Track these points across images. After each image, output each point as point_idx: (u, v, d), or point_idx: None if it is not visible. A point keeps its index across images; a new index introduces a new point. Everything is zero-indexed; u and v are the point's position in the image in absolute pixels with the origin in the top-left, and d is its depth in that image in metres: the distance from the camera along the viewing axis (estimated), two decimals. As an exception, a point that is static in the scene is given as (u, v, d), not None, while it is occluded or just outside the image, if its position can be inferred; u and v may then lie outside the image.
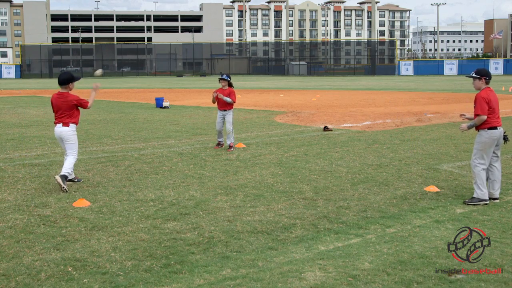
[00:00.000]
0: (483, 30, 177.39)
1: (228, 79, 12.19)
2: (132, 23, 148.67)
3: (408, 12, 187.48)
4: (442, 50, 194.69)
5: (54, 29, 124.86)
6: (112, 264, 5.29)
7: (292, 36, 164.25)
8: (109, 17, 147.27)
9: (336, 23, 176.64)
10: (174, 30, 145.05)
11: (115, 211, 7.17)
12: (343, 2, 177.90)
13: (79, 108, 8.75)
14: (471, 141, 13.15)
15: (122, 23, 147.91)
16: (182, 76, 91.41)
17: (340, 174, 9.45)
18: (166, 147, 12.67)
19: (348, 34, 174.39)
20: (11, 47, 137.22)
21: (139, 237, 6.10)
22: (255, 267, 5.20)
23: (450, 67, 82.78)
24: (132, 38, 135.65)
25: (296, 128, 16.26)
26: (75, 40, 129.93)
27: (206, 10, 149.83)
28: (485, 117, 7.50)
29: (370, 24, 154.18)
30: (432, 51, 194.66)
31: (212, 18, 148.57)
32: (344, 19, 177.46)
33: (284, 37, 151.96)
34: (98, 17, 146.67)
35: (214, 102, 12.39)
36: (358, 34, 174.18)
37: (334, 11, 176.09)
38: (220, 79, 12.23)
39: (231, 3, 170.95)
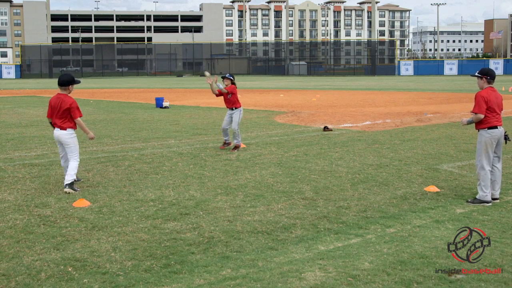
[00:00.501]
0: (483, 30, 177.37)
1: (231, 78, 12.26)
2: (132, 23, 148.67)
3: (408, 12, 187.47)
4: (442, 50, 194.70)
5: (54, 29, 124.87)
6: (112, 264, 5.29)
7: (292, 36, 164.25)
8: (109, 17, 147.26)
9: (336, 23, 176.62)
10: (174, 30, 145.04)
11: (115, 211, 7.17)
12: (343, 2, 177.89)
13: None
14: (471, 141, 13.15)
15: (122, 23, 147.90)
16: (182, 76, 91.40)
17: (340, 174, 9.45)
18: (166, 147, 12.66)
19: (348, 34, 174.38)
20: (11, 47, 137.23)
21: (139, 237, 6.10)
22: (255, 267, 5.20)
23: (450, 67, 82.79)
24: (132, 38, 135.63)
25: (296, 128, 16.26)
26: (75, 40, 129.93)
27: (206, 10, 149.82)
28: (481, 115, 7.50)
29: (370, 24, 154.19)
30: (432, 51, 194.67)
31: (212, 18, 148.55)
32: (344, 19, 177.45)
33: (284, 37, 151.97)
34: (98, 17, 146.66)
35: (215, 94, 12.36)
36: (358, 34, 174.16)
37: (334, 11, 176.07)
38: (223, 77, 12.28)
39: (231, 3, 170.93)
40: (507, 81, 51.50)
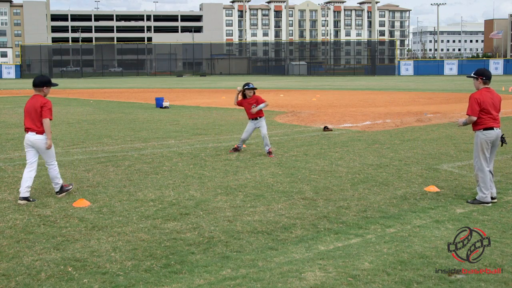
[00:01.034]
0: (483, 30, 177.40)
1: (255, 88, 11.65)
2: (132, 23, 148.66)
3: (408, 12, 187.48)
4: (442, 50, 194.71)
5: (54, 29, 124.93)
6: (112, 264, 5.29)
7: (292, 36, 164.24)
8: (109, 17, 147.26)
9: (336, 23, 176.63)
10: (174, 30, 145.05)
11: (115, 211, 7.17)
12: (343, 2, 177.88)
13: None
14: (471, 141, 13.15)
15: (122, 23, 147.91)
16: (182, 76, 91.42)
17: (340, 174, 9.45)
18: (166, 147, 12.66)
19: (348, 34, 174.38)
20: (11, 47, 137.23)
21: (139, 237, 6.10)
22: (255, 267, 5.20)
23: (450, 67, 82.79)
24: (132, 38, 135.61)
25: (296, 128, 16.26)
26: (75, 40, 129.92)
27: (206, 10, 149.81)
28: (474, 118, 7.50)
29: (370, 24, 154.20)
30: (432, 51, 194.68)
31: (212, 18, 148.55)
32: (344, 19, 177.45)
33: (284, 37, 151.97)
34: (98, 17, 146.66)
35: (236, 103, 11.86)
36: (358, 34, 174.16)
37: (334, 11, 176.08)
38: (246, 89, 11.52)
39: (231, 3, 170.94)
40: (507, 81, 51.49)
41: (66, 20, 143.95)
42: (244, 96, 11.69)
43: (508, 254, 5.49)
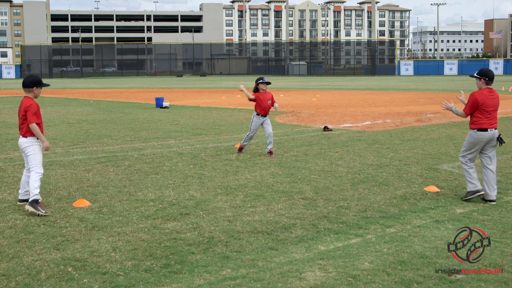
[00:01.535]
0: (483, 30, 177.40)
1: (269, 82, 11.37)
2: (132, 23, 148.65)
3: (408, 12, 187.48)
4: (442, 50, 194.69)
5: (54, 29, 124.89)
6: (112, 264, 5.29)
7: (292, 36, 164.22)
8: (109, 17, 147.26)
9: (336, 23, 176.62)
10: (174, 30, 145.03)
11: (115, 211, 7.16)
12: (343, 2, 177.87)
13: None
14: (471, 141, 13.17)
15: (122, 23, 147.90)
16: (182, 76, 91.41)
17: (340, 174, 9.45)
18: (166, 147, 12.66)
19: (348, 34, 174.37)
20: (11, 47, 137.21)
21: (139, 237, 6.10)
22: (255, 267, 5.20)
23: (450, 67, 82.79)
24: (132, 38, 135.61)
25: (296, 128, 16.26)
26: (75, 40, 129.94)
27: (206, 10, 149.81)
28: (463, 114, 7.70)
29: (370, 24, 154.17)
30: (432, 51, 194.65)
31: (212, 18, 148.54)
32: (344, 19, 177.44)
33: (284, 37, 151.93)
34: (98, 17, 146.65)
35: (250, 100, 11.38)
36: (358, 34, 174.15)
37: (334, 11, 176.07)
38: (261, 83, 11.23)
39: (231, 3, 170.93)
40: (507, 81, 51.50)
41: (66, 20, 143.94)
42: (256, 90, 11.36)
43: (508, 254, 5.49)
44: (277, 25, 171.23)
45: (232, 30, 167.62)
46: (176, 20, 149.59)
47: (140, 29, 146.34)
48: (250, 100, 11.40)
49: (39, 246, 5.82)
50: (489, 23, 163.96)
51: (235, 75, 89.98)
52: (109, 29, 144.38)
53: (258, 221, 6.70)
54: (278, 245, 5.82)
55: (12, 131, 15.93)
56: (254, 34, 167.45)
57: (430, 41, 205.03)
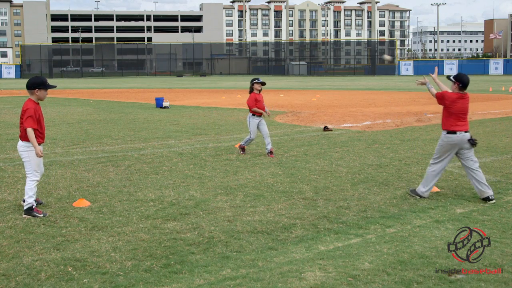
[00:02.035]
0: (483, 30, 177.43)
1: (264, 83, 11.43)
2: (132, 23, 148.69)
3: (408, 12, 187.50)
4: (442, 50, 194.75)
5: (54, 29, 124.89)
6: (112, 264, 5.29)
7: (292, 36, 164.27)
8: (109, 17, 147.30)
9: (336, 23, 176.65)
10: (174, 30, 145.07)
11: (115, 211, 7.16)
12: (343, 2, 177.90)
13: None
14: (471, 141, 13.16)
15: (122, 23, 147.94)
16: (182, 76, 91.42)
17: (340, 174, 9.45)
18: (166, 147, 12.66)
19: (348, 34, 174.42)
20: (11, 47, 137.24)
21: (139, 237, 6.10)
22: (255, 267, 5.20)
23: (450, 67, 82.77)
24: (132, 38, 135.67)
25: (296, 128, 16.26)
26: (75, 40, 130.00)
27: (206, 10, 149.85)
28: (434, 92, 7.87)
29: (370, 24, 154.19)
30: (432, 51, 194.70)
31: (212, 18, 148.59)
32: (344, 19, 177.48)
33: (284, 37, 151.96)
34: (98, 17, 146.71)
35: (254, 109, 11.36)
36: (358, 34, 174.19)
37: (334, 11, 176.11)
38: (256, 83, 11.27)
39: (231, 3, 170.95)
40: (507, 81, 51.50)
41: (66, 20, 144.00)
42: (251, 90, 11.40)
43: (508, 254, 5.49)
44: (277, 25, 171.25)
45: (232, 30, 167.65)
46: (176, 20, 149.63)
47: (140, 29, 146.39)
48: (253, 108, 11.31)
49: (39, 246, 5.82)
50: (489, 23, 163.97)
51: (235, 75, 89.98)
52: (109, 29, 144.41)
53: (258, 221, 6.70)
54: (278, 245, 5.82)
55: (12, 131, 15.94)
56: (254, 34, 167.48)
57: (430, 41, 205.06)
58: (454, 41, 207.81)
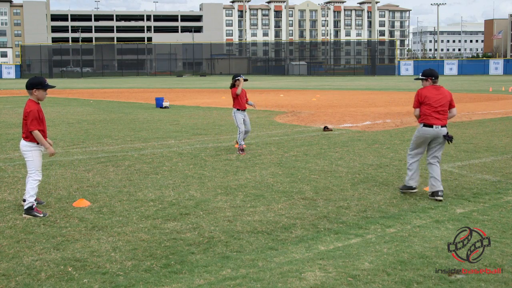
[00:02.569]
0: (483, 30, 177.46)
1: (246, 79, 12.08)
2: (132, 23, 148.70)
3: (408, 12, 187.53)
4: (442, 50, 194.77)
5: (54, 29, 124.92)
6: (112, 264, 5.29)
7: (292, 36, 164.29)
8: (109, 17, 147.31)
9: (336, 23, 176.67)
10: (174, 30, 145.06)
11: (115, 211, 7.16)
12: (343, 2, 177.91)
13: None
14: (471, 141, 13.18)
15: (122, 23, 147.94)
16: (182, 76, 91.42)
17: (340, 174, 9.45)
18: (166, 147, 12.66)
19: (348, 34, 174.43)
20: (11, 47, 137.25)
21: (139, 237, 6.10)
22: (255, 267, 5.20)
23: (450, 67, 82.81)
24: (132, 38, 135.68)
25: (296, 128, 16.26)
26: (75, 40, 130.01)
27: (206, 10, 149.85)
28: (415, 111, 7.87)
29: (370, 24, 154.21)
30: (432, 51, 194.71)
31: (212, 18, 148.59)
32: (344, 19, 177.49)
33: (284, 37, 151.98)
34: (98, 17, 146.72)
35: (236, 95, 11.86)
36: (358, 34, 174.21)
37: (334, 11, 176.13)
38: (238, 79, 11.82)
39: (231, 3, 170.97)
40: (507, 81, 51.50)
41: (66, 20, 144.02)
42: (233, 86, 12.00)
43: (508, 254, 5.49)
44: (277, 25, 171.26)
45: (232, 30, 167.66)
46: (176, 20, 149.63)
47: (140, 29, 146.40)
48: (236, 96, 11.93)
49: (39, 246, 5.82)
50: (489, 23, 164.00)
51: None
52: (109, 29, 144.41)
53: (258, 221, 6.70)
54: (278, 245, 5.82)
55: (12, 131, 15.94)
56: (254, 34, 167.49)
57: (430, 41, 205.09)
58: (454, 41, 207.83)
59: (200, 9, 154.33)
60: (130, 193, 8.16)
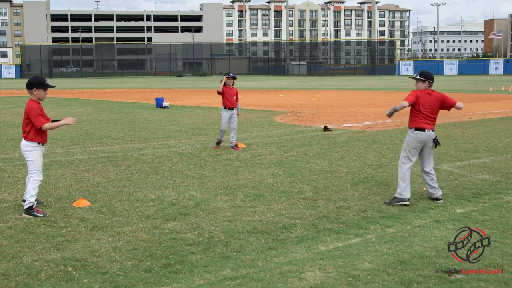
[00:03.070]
0: (483, 30, 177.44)
1: (235, 77, 12.42)
2: (132, 23, 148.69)
3: (408, 12, 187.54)
4: (442, 50, 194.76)
5: (54, 29, 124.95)
6: (112, 264, 5.29)
7: (292, 36, 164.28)
8: (109, 17, 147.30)
9: (336, 23, 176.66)
10: (174, 30, 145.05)
11: (115, 211, 7.16)
12: (343, 2, 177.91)
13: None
14: (471, 141, 13.17)
15: (122, 23, 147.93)
16: (182, 76, 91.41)
17: (340, 174, 9.45)
18: (166, 147, 12.66)
19: (348, 34, 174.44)
20: (11, 47, 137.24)
21: (139, 237, 6.10)
22: (255, 267, 5.20)
23: (450, 67, 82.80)
24: (132, 38, 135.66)
25: (296, 128, 16.26)
26: (75, 40, 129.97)
27: (206, 10, 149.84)
28: (406, 103, 7.43)
29: (370, 24, 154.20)
30: (432, 51, 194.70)
31: (212, 18, 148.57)
32: (344, 19, 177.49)
33: (284, 37, 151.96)
34: (98, 17, 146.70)
35: (219, 93, 12.20)
36: (358, 34, 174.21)
37: (334, 11, 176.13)
38: (228, 77, 12.20)
39: (231, 3, 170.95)
40: (507, 81, 51.49)
41: (66, 20, 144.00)
42: (224, 84, 12.28)
43: (508, 254, 5.49)
44: (277, 25, 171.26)
45: (232, 30, 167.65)
46: (176, 20, 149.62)
47: (140, 29, 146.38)
48: (219, 93, 12.21)
49: (39, 246, 5.81)
50: (489, 23, 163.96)
51: (235, 75, 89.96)
52: (109, 29, 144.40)
53: (258, 221, 6.70)
54: (278, 245, 5.82)
55: (12, 131, 15.94)
56: (254, 34, 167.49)
57: (430, 41, 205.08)
58: (454, 41, 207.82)
59: (200, 9, 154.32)
60: (130, 193, 8.16)
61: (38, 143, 7.07)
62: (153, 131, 15.75)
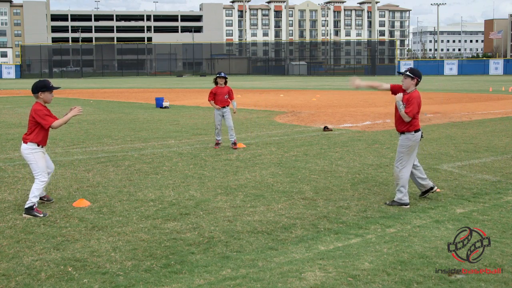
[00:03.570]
0: (483, 30, 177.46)
1: (226, 76, 12.62)
2: (132, 23, 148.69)
3: (408, 12, 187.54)
4: (442, 50, 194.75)
5: (54, 29, 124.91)
6: (112, 264, 5.29)
7: (292, 36, 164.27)
8: (109, 17, 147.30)
9: (336, 23, 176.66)
10: (174, 30, 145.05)
11: (115, 211, 7.16)
12: (343, 2, 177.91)
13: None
14: (471, 141, 13.17)
15: (122, 23, 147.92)
16: (182, 76, 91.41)
17: (340, 174, 9.45)
18: (166, 147, 12.66)
19: (348, 34, 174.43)
20: (11, 47, 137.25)
21: (139, 237, 6.10)
22: (255, 267, 5.20)
23: (450, 67, 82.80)
24: (132, 38, 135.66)
25: (296, 128, 16.26)
26: (75, 40, 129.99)
27: (206, 10, 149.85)
28: (409, 119, 7.29)
29: (370, 24, 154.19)
30: (432, 51, 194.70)
31: (212, 18, 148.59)
32: (344, 19, 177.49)
33: (284, 37, 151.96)
34: (98, 17, 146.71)
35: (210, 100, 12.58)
36: (358, 34, 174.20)
37: (334, 11, 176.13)
38: (218, 77, 12.43)
39: (231, 3, 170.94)
40: (507, 81, 51.49)
41: (66, 20, 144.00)
42: (215, 84, 12.54)
43: (508, 254, 5.49)
44: (277, 25, 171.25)
45: (232, 30, 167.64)
46: (176, 20, 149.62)
47: (140, 29, 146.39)
48: (210, 100, 12.53)
49: (39, 246, 5.82)
50: (489, 23, 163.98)
51: (235, 75, 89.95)
52: (109, 29, 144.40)
53: (258, 221, 6.70)
54: (278, 245, 5.82)
55: (12, 131, 15.94)
56: (254, 34, 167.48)
57: (430, 41, 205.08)
58: (454, 41, 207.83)
59: (200, 9, 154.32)
60: (130, 193, 8.16)
61: (38, 145, 7.04)
62: (153, 131, 15.75)
